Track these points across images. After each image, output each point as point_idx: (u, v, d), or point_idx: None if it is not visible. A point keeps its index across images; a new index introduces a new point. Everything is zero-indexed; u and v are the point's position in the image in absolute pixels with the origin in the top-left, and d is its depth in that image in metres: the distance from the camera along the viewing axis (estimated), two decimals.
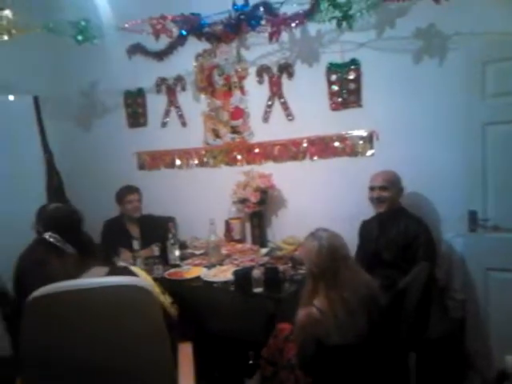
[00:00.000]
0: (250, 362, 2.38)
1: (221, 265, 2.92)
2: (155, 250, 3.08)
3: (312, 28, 3.01)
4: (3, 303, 2.49)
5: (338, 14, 2.62)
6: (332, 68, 3.01)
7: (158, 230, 3.27)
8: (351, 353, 1.92)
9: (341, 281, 1.93)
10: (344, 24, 2.64)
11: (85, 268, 1.85)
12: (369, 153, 2.98)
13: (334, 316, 1.87)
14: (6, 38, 3.00)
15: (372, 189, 2.71)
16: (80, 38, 3.19)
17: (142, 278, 1.89)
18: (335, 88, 3.02)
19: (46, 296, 1.57)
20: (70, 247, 1.86)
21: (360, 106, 2.97)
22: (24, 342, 1.62)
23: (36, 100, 3.86)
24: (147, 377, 1.68)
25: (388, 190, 2.65)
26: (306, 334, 1.94)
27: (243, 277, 2.54)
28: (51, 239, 1.86)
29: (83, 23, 3.17)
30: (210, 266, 2.89)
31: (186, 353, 2.02)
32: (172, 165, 3.79)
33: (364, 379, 1.94)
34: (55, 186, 3.97)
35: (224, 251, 3.13)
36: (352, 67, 2.94)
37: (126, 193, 3.36)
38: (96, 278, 1.71)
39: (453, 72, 2.62)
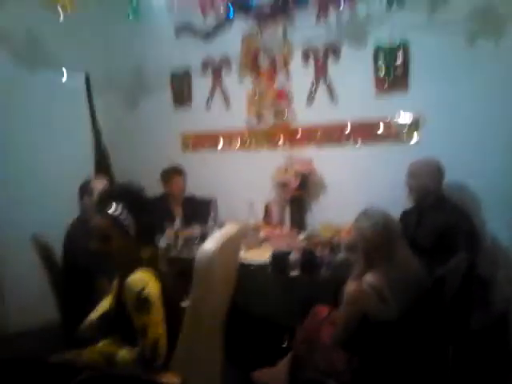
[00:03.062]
0: (284, 345, 2.39)
1: (259, 247, 2.94)
2: (196, 230, 3.14)
3: (361, 9, 2.92)
4: (52, 268, 2.58)
5: None
6: (379, 51, 2.92)
7: (199, 210, 3.33)
8: (395, 331, 1.91)
9: (396, 259, 1.97)
10: (395, 3, 2.55)
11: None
12: (414, 139, 2.89)
13: (386, 291, 1.88)
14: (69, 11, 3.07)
15: (408, 177, 2.63)
16: (131, 15, 3.29)
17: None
18: (382, 72, 2.93)
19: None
20: (133, 228, 1.69)
21: (407, 91, 2.88)
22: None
23: (87, 77, 3.96)
24: None
25: (423, 179, 2.57)
26: (354, 308, 1.95)
27: (280, 259, 2.55)
28: (120, 216, 1.67)
29: (135, 1, 3.24)
30: (248, 248, 2.92)
31: None
32: (215, 146, 3.80)
33: (402, 361, 1.92)
34: (102, 161, 4.10)
35: (262, 234, 3.15)
36: (400, 50, 2.84)
37: (173, 174, 3.44)
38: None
39: (509, 55, 2.49)
